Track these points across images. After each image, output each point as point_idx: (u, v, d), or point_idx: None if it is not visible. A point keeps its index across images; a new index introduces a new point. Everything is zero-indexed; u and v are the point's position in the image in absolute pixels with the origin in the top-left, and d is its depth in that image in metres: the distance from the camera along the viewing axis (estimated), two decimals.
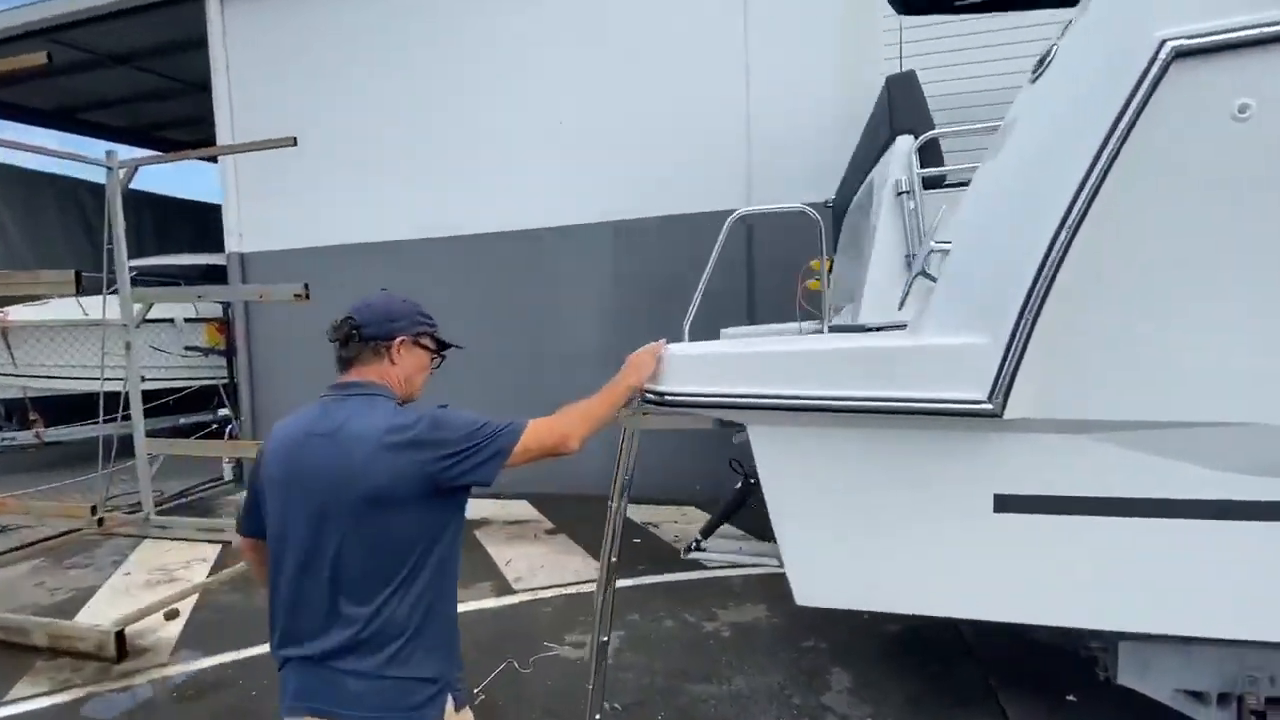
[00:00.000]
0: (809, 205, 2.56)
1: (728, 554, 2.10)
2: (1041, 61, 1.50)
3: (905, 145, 2.08)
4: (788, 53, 4.99)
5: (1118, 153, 1.33)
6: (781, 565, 2.01)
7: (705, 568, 4.01)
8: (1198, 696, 1.96)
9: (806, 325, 3.67)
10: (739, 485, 2.32)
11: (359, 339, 1.47)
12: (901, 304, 1.71)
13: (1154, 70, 1.31)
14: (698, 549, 2.16)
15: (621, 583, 3.86)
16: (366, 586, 1.35)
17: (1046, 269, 1.40)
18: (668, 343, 1.81)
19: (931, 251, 1.60)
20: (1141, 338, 1.45)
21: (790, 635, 3.20)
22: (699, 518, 4.90)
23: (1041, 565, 1.59)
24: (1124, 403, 1.47)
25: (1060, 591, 1.60)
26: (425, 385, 1.67)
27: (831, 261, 3.77)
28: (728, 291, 5.14)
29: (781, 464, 1.73)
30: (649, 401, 1.81)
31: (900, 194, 2.10)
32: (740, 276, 5.18)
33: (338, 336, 1.48)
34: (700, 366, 1.73)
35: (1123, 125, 1.33)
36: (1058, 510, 1.56)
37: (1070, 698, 2.60)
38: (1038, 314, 1.41)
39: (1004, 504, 1.59)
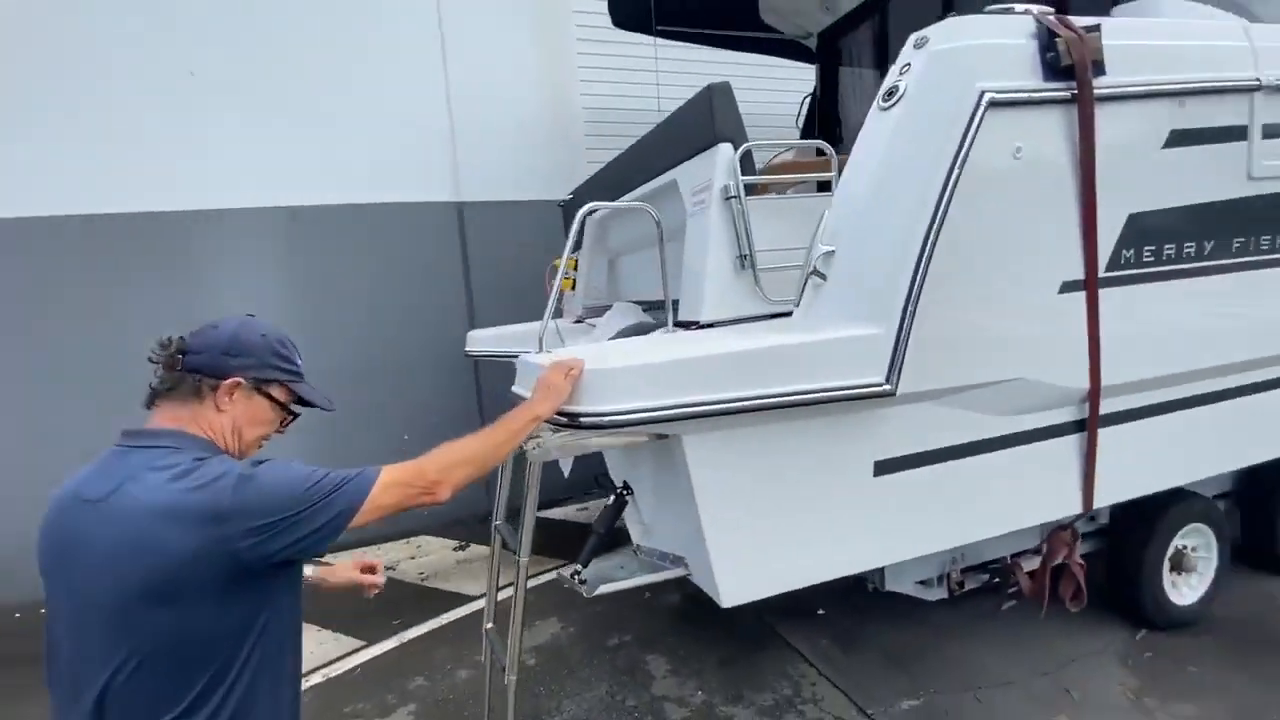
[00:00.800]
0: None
1: (621, 578, 1.96)
2: (891, 94, 1.79)
3: (728, 153, 2.23)
4: (484, 54, 4.75)
5: (960, 176, 1.70)
6: (689, 572, 1.98)
7: (471, 599, 3.64)
8: (924, 583, 2.68)
9: (564, 323, 3.62)
10: (612, 501, 2.18)
11: (180, 367, 1.15)
12: (798, 300, 1.85)
13: (978, 113, 1.70)
14: (580, 581, 1.96)
15: (384, 645, 3.23)
16: None
17: (920, 269, 1.70)
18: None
19: (822, 253, 1.77)
20: (959, 320, 1.88)
21: (593, 639, 3.15)
22: (438, 546, 4.39)
23: (908, 511, 1.95)
24: (952, 374, 1.90)
25: (921, 527, 1.99)
26: (263, 446, 1.25)
27: (575, 260, 3.79)
28: (441, 290, 4.70)
29: (715, 471, 1.70)
30: (570, 426, 1.57)
31: (729, 198, 2.26)
32: (456, 276, 4.77)
33: (160, 358, 1.16)
34: (637, 380, 1.56)
35: (961, 154, 1.70)
36: (915, 465, 1.92)
37: (820, 611, 3.22)
38: (916, 307, 1.71)
39: (881, 468, 1.89)
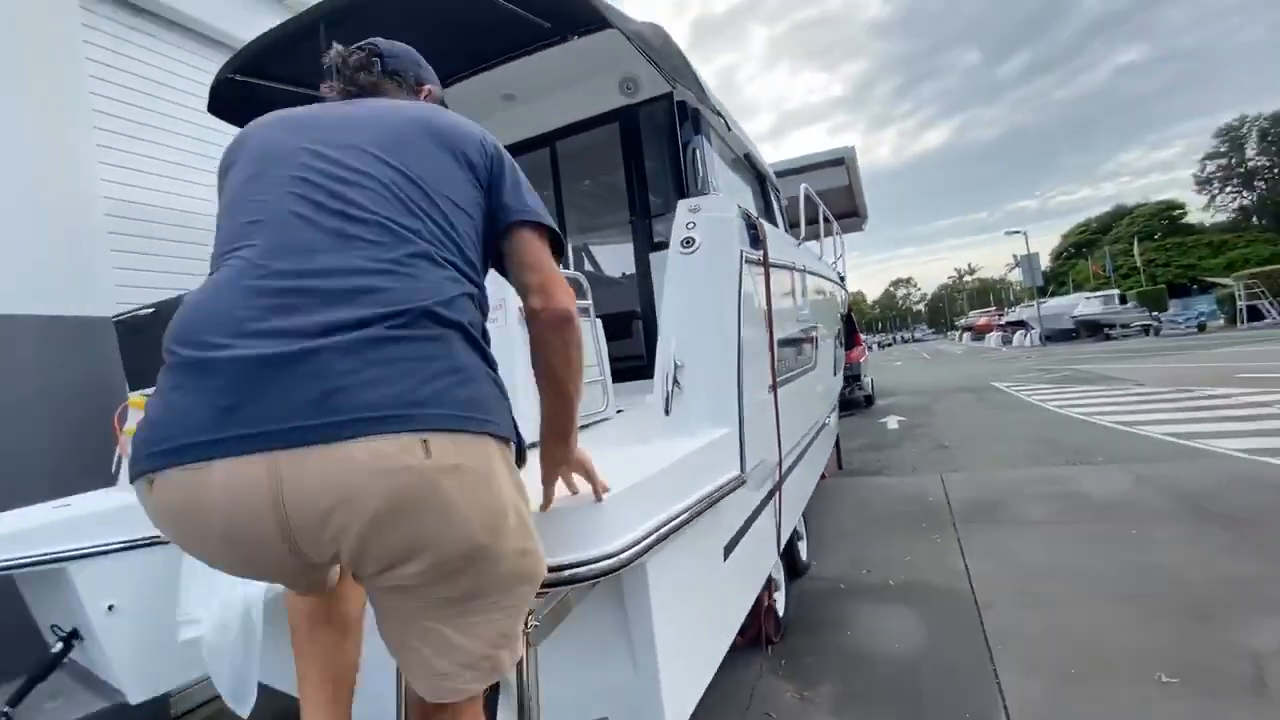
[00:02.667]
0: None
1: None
2: (689, 242, 2.19)
3: None
4: None
5: (740, 306, 2.23)
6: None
7: None
8: None
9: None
10: (58, 648, 2.30)
11: (381, 69, 1.33)
12: (667, 407, 1.95)
13: (741, 264, 2.29)
14: None
15: None
16: None
17: (739, 378, 2.13)
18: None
19: (675, 367, 2.00)
20: (751, 417, 2.36)
21: None
22: None
23: (736, 583, 2.23)
24: (751, 458, 2.34)
25: (741, 595, 2.30)
26: None
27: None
28: None
29: (670, 591, 1.63)
30: (568, 581, 1.30)
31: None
32: None
33: (345, 60, 1.31)
34: (637, 502, 1.41)
35: (739, 291, 2.24)
36: (735, 542, 2.24)
37: None
38: (742, 407, 2.11)
39: (726, 551, 2.14)
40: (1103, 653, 2.74)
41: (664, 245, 3.40)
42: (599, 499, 1.35)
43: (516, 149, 3.87)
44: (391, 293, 0.97)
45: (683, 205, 2.32)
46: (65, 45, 3.50)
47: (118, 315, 2.99)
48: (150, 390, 2.84)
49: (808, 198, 3.88)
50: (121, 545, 2.19)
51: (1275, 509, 4.25)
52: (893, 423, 10.47)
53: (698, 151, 3.61)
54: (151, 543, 2.21)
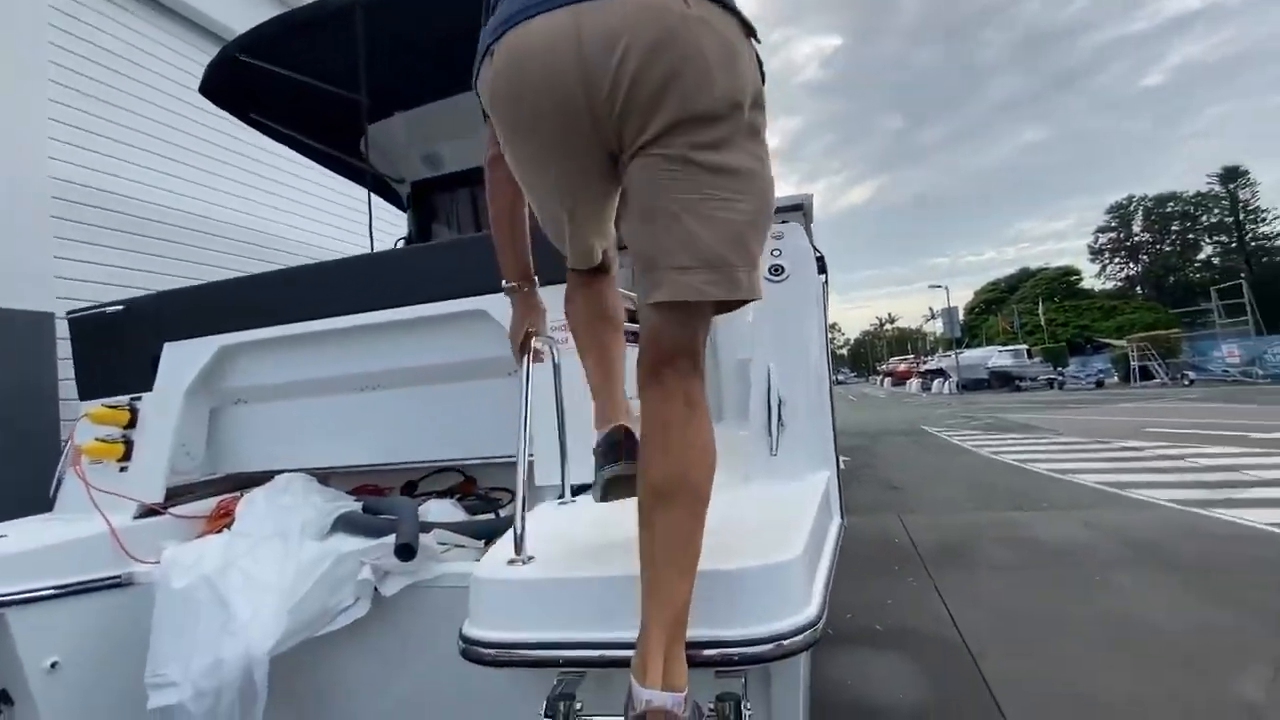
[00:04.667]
0: None
1: None
2: (777, 270, 2.10)
3: None
4: None
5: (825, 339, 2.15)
6: None
7: None
8: None
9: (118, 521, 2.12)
10: None
11: None
12: (774, 448, 1.87)
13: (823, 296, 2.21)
14: None
15: None
16: None
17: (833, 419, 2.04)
18: None
19: (780, 403, 1.90)
20: None
21: None
22: None
23: None
24: None
25: None
26: None
27: (130, 412, 2.42)
28: None
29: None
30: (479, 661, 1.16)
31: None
32: None
33: None
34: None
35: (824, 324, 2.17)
36: None
37: None
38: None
39: None
40: (1109, 706, 2.74)
41: None
42: None
43: None
44: None
45: None
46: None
47: (74, 312, 2.58)
48: (115, 400, 2.46)
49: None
50: (73, 587, 1.81)
51: (1221, 558, 4.50)
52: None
53: None
54: (110, 584, 1.86)
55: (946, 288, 40.40)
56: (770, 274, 2.12)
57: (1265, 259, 52.56)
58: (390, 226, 4.45)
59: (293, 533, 1.68)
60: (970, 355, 38.15)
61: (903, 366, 54.46)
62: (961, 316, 55.10)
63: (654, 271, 1.13)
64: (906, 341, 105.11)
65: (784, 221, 2.33)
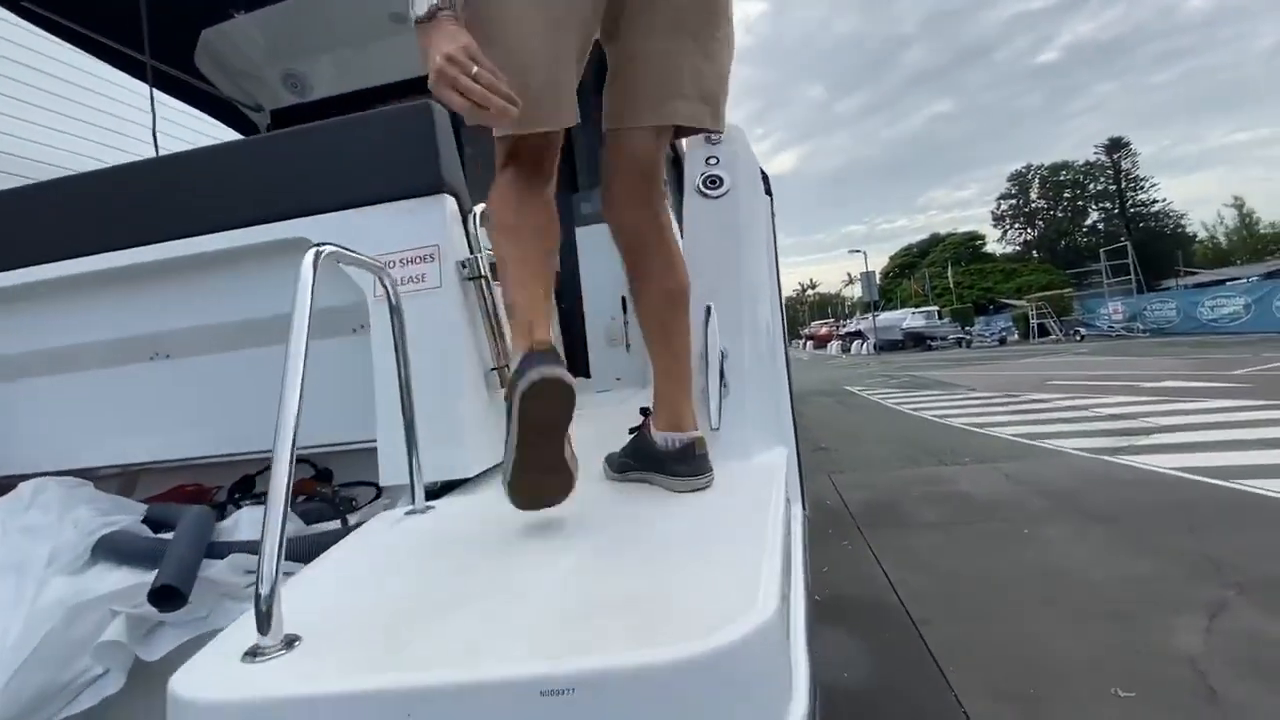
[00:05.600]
0: None
1: None
2: (714, 182, 1.69)
3: (454, 210, 1.56)
4: None
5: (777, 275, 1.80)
6: None
7: None
8: None
9: None
10: None
11: None
12: (715, 423, 1.45)
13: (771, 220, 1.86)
14: None
15: None
16: None
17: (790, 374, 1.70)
18: None
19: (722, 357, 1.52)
20: None
21: None
22: None
23: None
24: None
25: None
26: None
27: None
28: None
29: None
30: None
31: (473, 278, 1.56)
32: None
33: None
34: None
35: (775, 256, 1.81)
36: None
37: None
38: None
39: None
40: (1052, 668, 2.64)
41: (592, 220, 2.89)
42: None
43: (404, 89, 3.09)
44: None
45: (691, 142, 1.83)
46: None
47: None
48: None
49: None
50: None
51: (1134, 505, 4.62)
52: None
53: None
54: None
55: (865, 253, 41.66)
56: (705, 186, 1.71)
57: (1142, 224, 57.12)
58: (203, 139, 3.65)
59: (33, 565, 1.10)
60: (886, 317, 39.62)
61: (824, 330, 56.07)
62: (879, 281, 57.37)
63: (662, 95, 1.23)
64: (827, 306, 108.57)
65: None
